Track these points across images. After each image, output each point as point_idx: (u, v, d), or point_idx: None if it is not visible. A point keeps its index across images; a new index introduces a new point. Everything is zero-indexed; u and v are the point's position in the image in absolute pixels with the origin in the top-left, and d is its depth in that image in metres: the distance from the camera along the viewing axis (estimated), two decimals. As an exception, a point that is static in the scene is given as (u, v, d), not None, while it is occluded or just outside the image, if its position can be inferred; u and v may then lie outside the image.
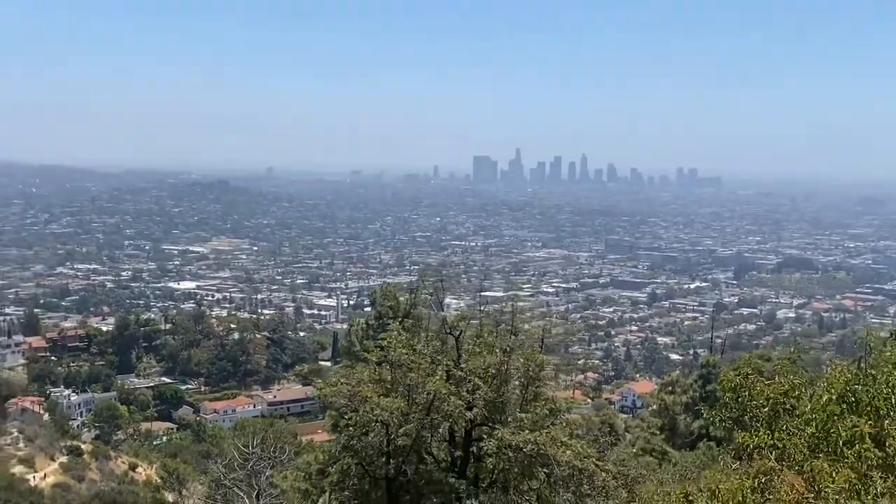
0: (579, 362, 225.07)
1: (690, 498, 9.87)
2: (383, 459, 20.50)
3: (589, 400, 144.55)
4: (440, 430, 20.88)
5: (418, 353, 21.03)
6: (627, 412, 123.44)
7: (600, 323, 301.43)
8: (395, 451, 20.23)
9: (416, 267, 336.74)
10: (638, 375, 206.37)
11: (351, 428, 20.60)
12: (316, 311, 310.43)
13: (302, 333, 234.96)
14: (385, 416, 19.72)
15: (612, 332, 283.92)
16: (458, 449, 21.00)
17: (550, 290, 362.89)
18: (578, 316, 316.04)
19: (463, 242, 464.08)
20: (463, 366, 21.14)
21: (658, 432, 46.72)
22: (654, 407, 51.79)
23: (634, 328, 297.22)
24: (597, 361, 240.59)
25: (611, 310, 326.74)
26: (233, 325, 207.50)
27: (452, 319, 22.92)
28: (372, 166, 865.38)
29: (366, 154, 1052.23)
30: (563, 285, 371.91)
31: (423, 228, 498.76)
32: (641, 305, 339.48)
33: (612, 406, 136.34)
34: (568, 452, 19.58)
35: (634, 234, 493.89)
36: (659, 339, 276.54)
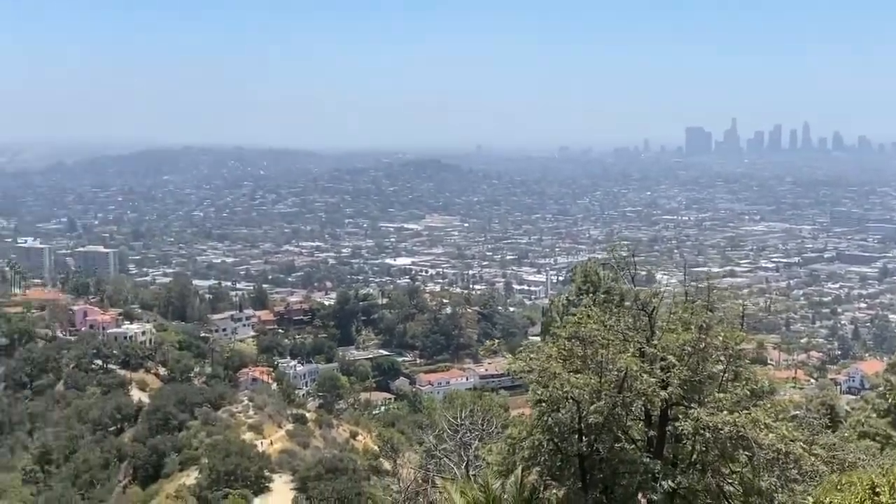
0: (802, 341, 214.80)
1: (877, 489, 9.13)
2: (575, 437, 20.32)
3: (812, 380, 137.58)
4: (634, 408, 20.42)
5: (610, 329, 20.63)
6: (855, 393, 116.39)
7: (825, 300, 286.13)
8: (588, 429, 19.98)
9: (627, 242, 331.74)
10: (867, 355, 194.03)
11: (543, 404, 20.56)
12: (525, 287, 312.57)
13: (512, 309, 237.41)
14: (576, 393, 19.49)
15: (839, 310, 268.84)
16: (653, 429, 20.48)
17: (770, 265, 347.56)
18: (801, 292, 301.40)
19: (675, 217, 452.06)
20: (656, 343, 20.58)
21: (882, 415, 43.69)
22: (881, 388, 48.49)
23: (863, 305, 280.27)
24: (821, 340, 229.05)
25: (836, 286, 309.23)
26: (445, 300, 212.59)
27: (645, 295, 22.34)
28: (579, 142, 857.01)
29: (573, 130, 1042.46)
30: (784, 260, 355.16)
31: (632, 203, 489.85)
32: (871, 281, 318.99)
33: (838, 387, 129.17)
34: (771, 435, 18.66)
35: (863, 205, 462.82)
36: (891, 316, 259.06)
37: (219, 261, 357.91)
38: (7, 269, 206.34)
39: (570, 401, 19.75)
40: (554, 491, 20.36)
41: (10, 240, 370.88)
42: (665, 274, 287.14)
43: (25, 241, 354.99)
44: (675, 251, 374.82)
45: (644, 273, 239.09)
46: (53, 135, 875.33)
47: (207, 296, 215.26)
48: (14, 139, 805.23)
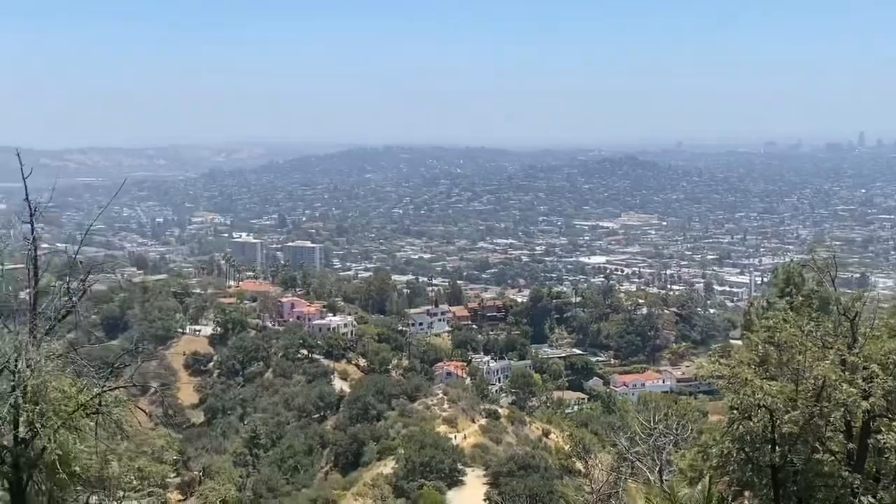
0: None
1: None
2: (768, 446, 19.47)
3: None
4: (832, 419, 19.35)
5: (808, 335, 19.64)
6: None
7: None
8: (781, 439, 19.11)
9: (838, 243, 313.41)
10: None
11: (735, 411, 19.86)
12: (727, 288, 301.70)
13: (712, 310, 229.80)
14: (769, 401, 18.71)
15: None
16: (854, 441, 19.35)
17: None
18: None
19: (892, 216, 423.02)
20: (858, 350, 19.43)
21: None
22: None
23: None
24: None
25: None
26: (641, 300, 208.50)
27: (848, 299, 21.09)
28: (788, 136, 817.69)
29: (781, 124, 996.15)
30: None
31: (845, 201, 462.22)
32: None
33: None
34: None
35: None
36: None
37: (416, 256, 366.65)
38: (223, 262, 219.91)
39: (763, 409, 18.98)
40: (745, 502, 19.68)
41: (226, 235, 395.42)
42: (882, 276, 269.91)
43: (240, 236, 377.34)
44: (893, 252, 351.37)
45: (857, 276, 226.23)
46: (266, 135, 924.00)
47: (405, 290, 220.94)
48: (230, 139, 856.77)
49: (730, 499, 15.88)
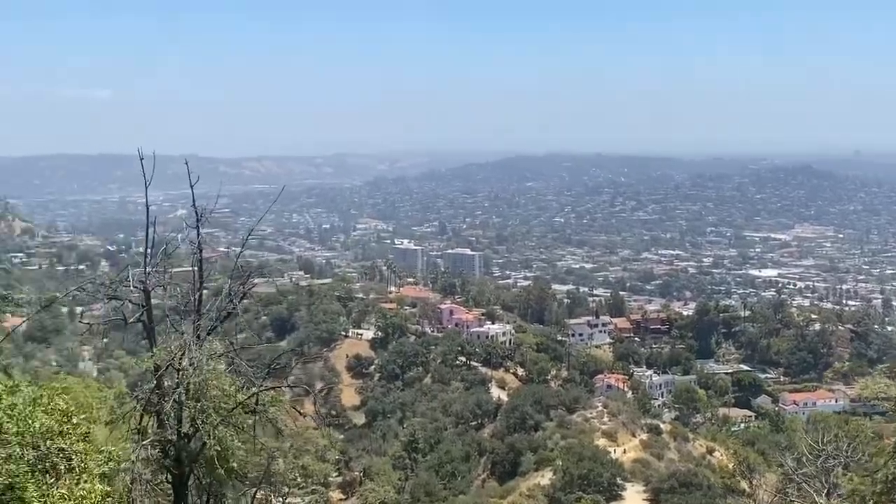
0: None
1: None
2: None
3: None
4: None
5: None
6: None
7: None
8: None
9: None
10: None
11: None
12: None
13: (890, 328, 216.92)
14: None
15: None
16: None
17: None
18: None
19: None
20: None
21: None
22: None
23: None
24: None
25: None
26: (814, 316, 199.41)
27: None
28: None
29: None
30: None
31: None
32: None
33: None
34: None
35: None
36: None
37: (577, 266, 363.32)
38: (385, 268, 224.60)
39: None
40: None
41: (388, 241, 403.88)
42: None
43: (402, 243, 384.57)
44: None
45: None
46: (429, 144, 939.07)
47: (565, 300, 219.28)
48: (394, 148, 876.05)
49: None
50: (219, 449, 14.12)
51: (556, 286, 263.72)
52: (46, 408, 9.66)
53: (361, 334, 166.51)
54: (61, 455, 9.59)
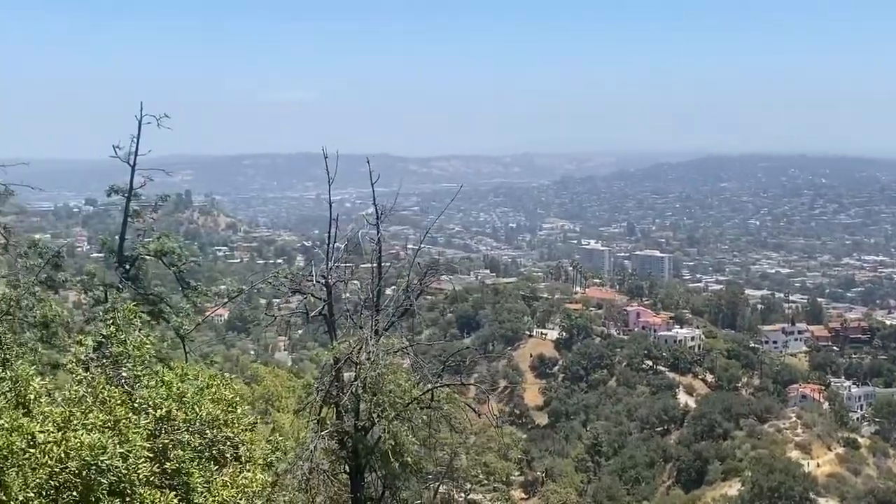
0: None
1: None
2: None
3: None
4: None
5: None
6: None
7: None
8: None
9: None
10: None
11: None
12: None
13: None
14: None
15: None
16: None
17: None
18: None
19: None
20: None
21: None
22: None
23: None
24: None
25: None
26: None
27: None
28: None
29: None
30: None
31: None
32: None
33: None
34: None
35: None
36: None
37: (773, 271, 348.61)
38: (571, 268, 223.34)
39: None
40: None
41: (575, 241, 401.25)
42: None
43: (588, 243, 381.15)
44: None
45: None
46: (617, 144, 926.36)
47: (759, 306, 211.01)
48: (582, 148, 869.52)
49: None
50: (393, 443, 14.43)
51: (749, 291, 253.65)
52: (213, 397, 10.13)
53: (546, 334, 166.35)
54: (228, 443, 10.03)
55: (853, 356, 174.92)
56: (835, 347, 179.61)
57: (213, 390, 10.25)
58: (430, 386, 15.19)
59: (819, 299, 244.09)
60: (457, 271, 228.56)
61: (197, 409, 9.76)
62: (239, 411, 10.19)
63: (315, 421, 14.50)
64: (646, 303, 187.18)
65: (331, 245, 16.75)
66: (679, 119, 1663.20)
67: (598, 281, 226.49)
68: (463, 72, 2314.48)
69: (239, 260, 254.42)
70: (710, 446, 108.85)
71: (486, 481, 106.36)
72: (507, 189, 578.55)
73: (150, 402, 9.69)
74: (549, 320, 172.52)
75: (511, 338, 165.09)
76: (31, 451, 7.76)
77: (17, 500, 7.50)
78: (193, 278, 24.94)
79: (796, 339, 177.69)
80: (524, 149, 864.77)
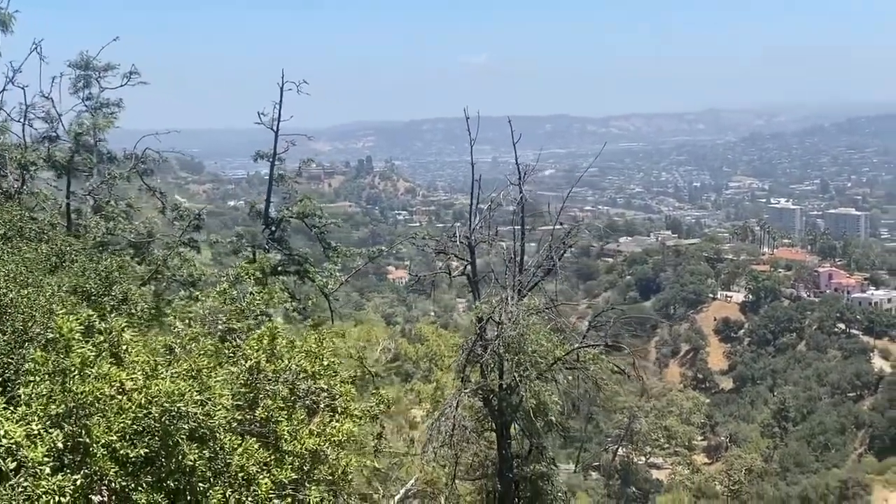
0: None
1: None
2: None
3: None
4: None
5: None
6: None
7: None
8: None
9: None
10: None
11: None
12: None
13: None
14: None
15: None
16: None
17: None
18: None
19: None
20: None
21: None
22: None
23: None
24: None
25: None
26: None
27: None
28: None
29: None
30: None
31: None
32: None
33: None
34: None
35: None
36: None
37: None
38: (758, 228, 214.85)
39: None
40: None
41: (763, 200, 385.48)
42: None
43: (778, 202, 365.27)
44: None
45: None
46: (809, 97, 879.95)
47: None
48: (772, 102, 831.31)
49: None
50: (535, 402, 14.50)
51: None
52: (302, 350, 10.52)
53: (731, 297, 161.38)
54: (324, 394, 10.41)
55: None
56: None
57: (302, 345, 10.67)
58: (575, 346, 15.14)
59: None
60: (637, 232, 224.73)
61: (286, 361, 10.21)
62: (325, 363, 10.53)
63: (459, 379, 14.79)
64: (839, 263, 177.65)
65: (473, 206, 16.91)
66: (874, 70, 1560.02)
67: (787, 241, 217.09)
68: (641, 31, 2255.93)
69: (417, 223, 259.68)
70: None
71: (666, 445, 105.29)
72: (690, 147, 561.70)
73: (242, 354, 10.24)
74: (734, 282, 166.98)
75: (693, 301, 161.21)
76: (118, 398, 8.32)
77: (99, 443, 8.04)
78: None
79: None
80: (709, 104, 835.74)
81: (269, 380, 9.97)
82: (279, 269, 22.67)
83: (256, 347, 10.25)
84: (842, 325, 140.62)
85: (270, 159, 23.59)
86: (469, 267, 16.60)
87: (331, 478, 9.82)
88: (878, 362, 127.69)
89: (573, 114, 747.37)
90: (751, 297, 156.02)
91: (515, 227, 16.70)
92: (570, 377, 15.21)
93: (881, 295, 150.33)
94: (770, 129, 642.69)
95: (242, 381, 9.87)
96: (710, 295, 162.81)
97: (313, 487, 9.44)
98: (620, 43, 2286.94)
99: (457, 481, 15.87)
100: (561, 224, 16.96)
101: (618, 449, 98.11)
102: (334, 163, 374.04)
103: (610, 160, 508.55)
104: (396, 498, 18.69)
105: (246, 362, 10.02)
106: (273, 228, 24.17)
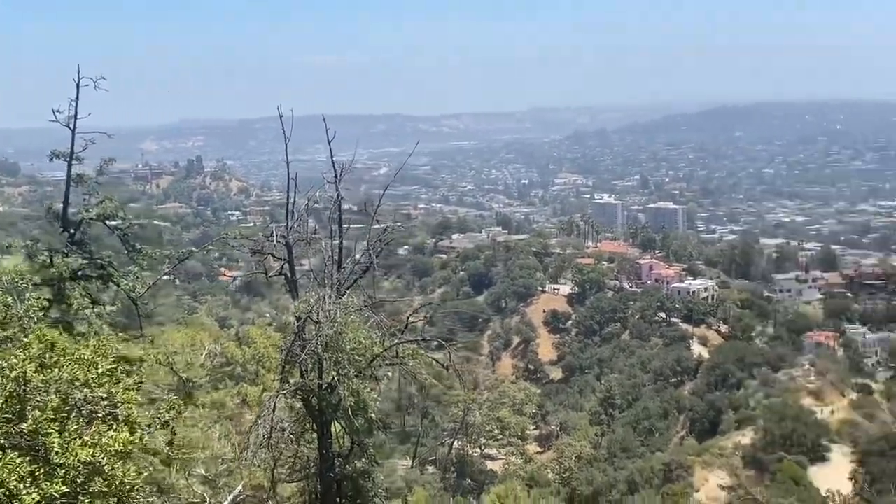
0: None
1: None
2: None
3: None
4: None
5: None
6: None
7: None
8: None
9: None
10: None
11: None
12: None
13: None
14: None
15: None
16: None
17: None
18: None
19: None
20: None
21: None
22: None
23: None
24: None
25: None
26: None
27: None
28: None
29: None
30: None
31: None
32: None
33: None
34: None
35: None
36: None
37: (788, 219, 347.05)
38: (583, 223, 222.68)
39: None
40: None
41: (588, 196, 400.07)
42: None
43: (601, 198, 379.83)
44: None
45: None
46: (628, 96, 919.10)
47: (773, 255, 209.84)
48: (595, 101, 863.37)
49: None
50: (352, 400, 14.52)
51: (764, 240, 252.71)
52: (73, 358, 10.15)
53: (558, 289, 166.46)
54: (104, 402, 10.10)
55: (868, 302, 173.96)
56: (849, 294, 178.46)
57: (72, 352, 10.29)
58: (393, 342, 15.24)
59: (834, 246, 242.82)
60: (469, 229, 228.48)
61: (56, 371, 9.82)
62: (100, 370, 10.19)
63: (278, 380, 14.64)
64: (658, 255, 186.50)
65: (290, 204, 16.76)
66: (690, 70, 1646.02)
67: (610, 235, 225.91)
68: (467, 28, 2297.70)
69: (252, 224, 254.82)
70: (723, 396, 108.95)
71: (500, 436, 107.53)
72: (518, 145, 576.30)
73: (8, 364, 9.78)
74: (561, 276, 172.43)
75: (524, 294, 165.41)
76: None
77: None
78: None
79: (811, 287, 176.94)
80: (535, 103, 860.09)
81: (39, 390, 9.49)
82: (79, 273, 21.74)
83: (23, 357, 9.75)
84: (662, 315, 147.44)
85: (67, 159, 22.49)
86: (287, 266, 16.42)
87: (107, 490, 9.43)
88: (697, 348, 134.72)
89: (406, 113, 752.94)
90: (577, 289, 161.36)
91: (333, 225, 16.63)
92: (389, 373, 15.32)
93: (698, 284, 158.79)
94: (594, 126, 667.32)
95: (8, 393, 9.33)
96: (540, 288, 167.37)
97: (87, 500, 9.03)
98: (451, 44, 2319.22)
99: (281, 483, 15.70)
100: (378, 222, 17.02)
101: (453, 442, 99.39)
102: (162, 163, 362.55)
103: (442, 158, 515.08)
104: (224, 504, 18.29)
105: (11, 372, 9.51)
106: (72, 231, 23.08)
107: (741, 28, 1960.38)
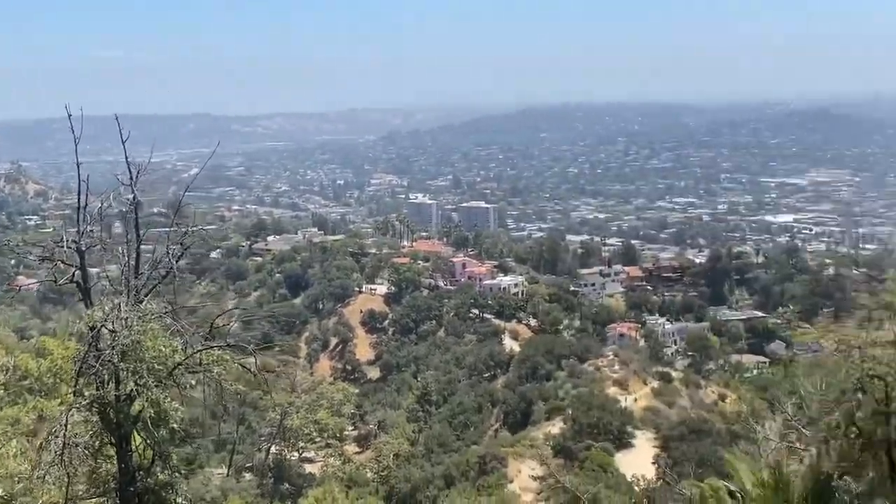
0: None
1: None
2: (883, 419, 17.36)
3: None
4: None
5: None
6: None
7: None
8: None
9: None
10: None
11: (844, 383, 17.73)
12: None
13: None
14: (881, 370, 16.66)
15: None
16: None
17: None
18: None
19: None
20: None
21: None
22: None
23: None
24: None
25: None
26: (828, 260, 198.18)
27: None
28: None
29: None
30: None
31: None
32: None
33: None
34: None
35: None
36: None
37: (591, 216, 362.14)
38: (398, 223, 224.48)
39: (876, 379, 16.89)
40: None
41: (403, 196, 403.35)
42: None
43: (416, 198, 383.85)
44: None
45: None
46: (443, 97, 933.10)
47: (579, 251, 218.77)
48: (409, 102, 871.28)
49: (836, 476, 14.05)
50: (152, 411, 14.09)
51: (570, 237, 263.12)
52: None
53: (375, 289, 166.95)
54: None
55: (666, 294, 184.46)
56: (649, 287, 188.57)
57: None
58: (197, 349, 14.86)
59: (634, 241, 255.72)
60: (285, 230, 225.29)
61: None
62: None
63: (72, 393, 14.00)
64: (471, 253, 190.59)
65: (81, 208, 16.05)
66: (501, 72, 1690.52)
67: (425, 234, 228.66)
68: (280, 29, 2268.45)
69: (51, 229, 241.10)
70: (534, 388, 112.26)
71: (318, 438, 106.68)
72: (333, 146, 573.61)
73: None
74: (378, 275, 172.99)
75: (341, 295, 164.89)
76: None
77: None
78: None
79: (613, 281, 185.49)
80: (349, 104, 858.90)
81: None
82: None
83: None
84: (476, 311, 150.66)
85: None
86: (79, 273, 15.69)
87: None
88: (509, 343, 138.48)
89: (216, 113, 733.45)
90: (393, 288, 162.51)
91: (128, 230, 16.02)
92: (192, 381, 14.92)
93: (509, 281, 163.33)
94: (407, 127, 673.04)
95: None
96: (357, 288, 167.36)
97: None
98: (255, 43, 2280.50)
99: (78, 501, 14.98)
100: (177, 225, 16.56)
101: (270, 447, 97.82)
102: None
103: (257, 159, 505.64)
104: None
105: None
106: None
107: (541, 33, 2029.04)
